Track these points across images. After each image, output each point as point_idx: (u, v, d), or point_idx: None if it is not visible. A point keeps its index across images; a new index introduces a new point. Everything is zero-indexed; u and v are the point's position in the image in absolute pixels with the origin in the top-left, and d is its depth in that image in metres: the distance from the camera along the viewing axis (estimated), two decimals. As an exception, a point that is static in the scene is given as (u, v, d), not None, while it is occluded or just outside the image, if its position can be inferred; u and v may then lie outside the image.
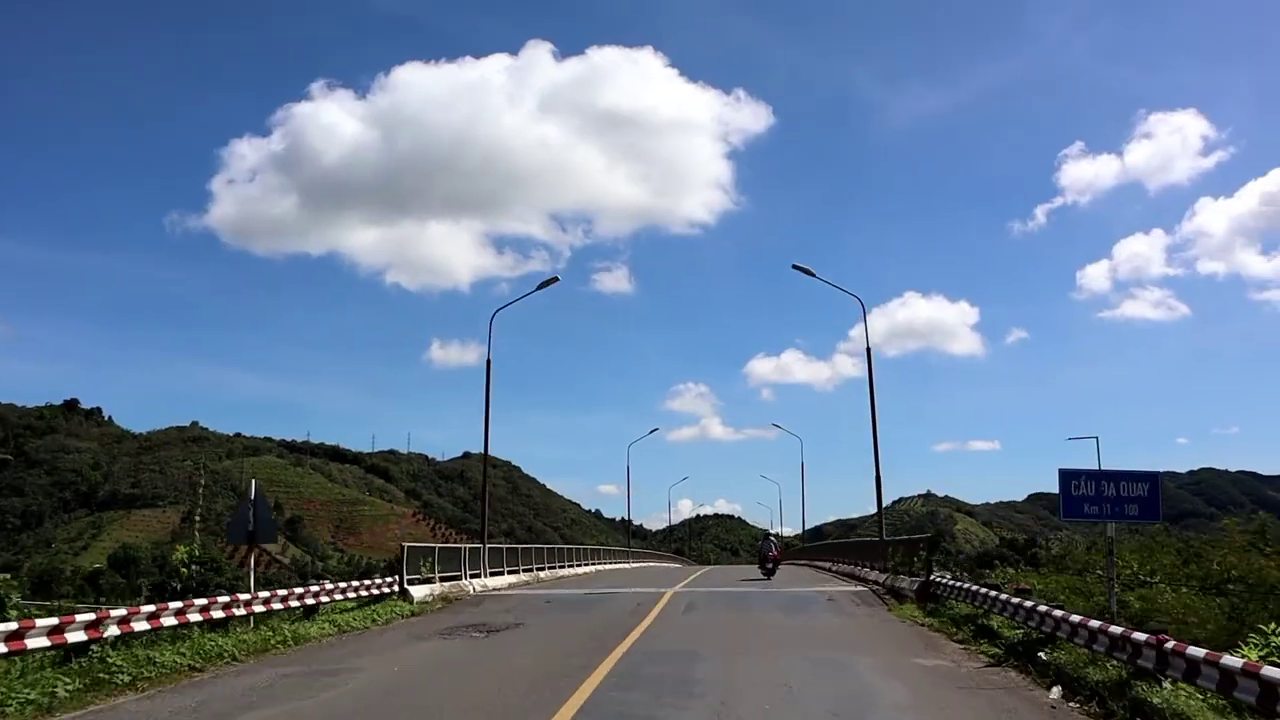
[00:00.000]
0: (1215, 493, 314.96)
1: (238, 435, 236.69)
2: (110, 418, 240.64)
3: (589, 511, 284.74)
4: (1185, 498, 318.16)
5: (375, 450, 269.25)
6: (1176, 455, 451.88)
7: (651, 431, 63.09)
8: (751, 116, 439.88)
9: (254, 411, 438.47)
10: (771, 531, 42.29)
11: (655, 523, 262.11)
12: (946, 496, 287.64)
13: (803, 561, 51.87)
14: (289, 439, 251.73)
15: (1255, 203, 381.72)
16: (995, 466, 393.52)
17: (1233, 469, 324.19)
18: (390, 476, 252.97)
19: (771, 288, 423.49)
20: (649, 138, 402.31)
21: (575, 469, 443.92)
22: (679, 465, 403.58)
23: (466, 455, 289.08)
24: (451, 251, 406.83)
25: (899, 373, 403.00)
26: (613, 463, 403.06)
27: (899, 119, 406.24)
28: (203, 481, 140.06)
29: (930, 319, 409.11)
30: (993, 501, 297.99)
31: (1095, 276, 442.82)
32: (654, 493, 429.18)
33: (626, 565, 54.32)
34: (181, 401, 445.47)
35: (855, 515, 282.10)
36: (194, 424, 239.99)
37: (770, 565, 31.36)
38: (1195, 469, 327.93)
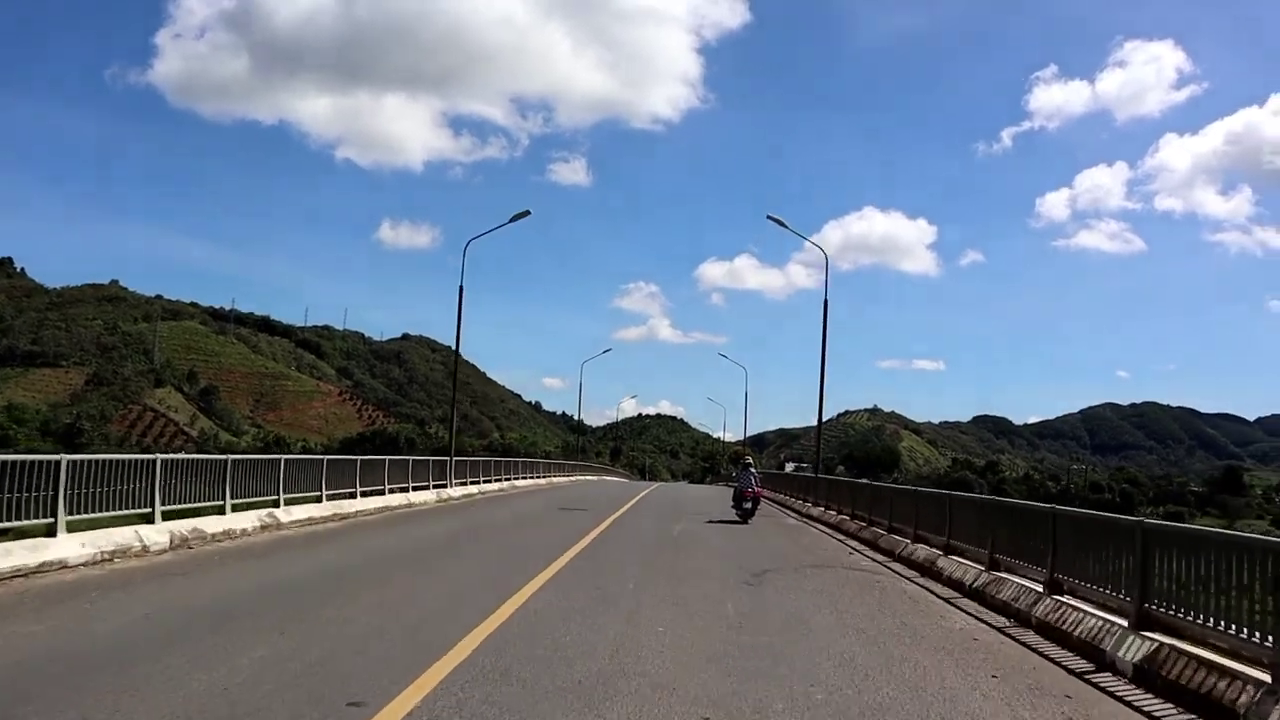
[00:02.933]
0: (1156, 426, 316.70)
1: (158, 297, 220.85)
2: (23, 269, 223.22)
3: (530, 403, 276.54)
4: (1127, 429, 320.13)
5: (308, 325, 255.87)
6: (1117, 387, 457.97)
7: (604, 351, 54.13)
8: (728, 11, 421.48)
9: (186, 278, 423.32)
10: (749, 459, 32.21)
11: (598, 419, 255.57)
12: (892, 413, 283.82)
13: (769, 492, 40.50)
14: (216, 306, 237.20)
15: (1219, 142, 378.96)
16: (939, 386, 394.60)
17: (1174, 404, 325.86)
18: (322, 353, 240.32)
19: (729, 190, 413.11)
20: (619, 23, 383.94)
21: (519, 359, 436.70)
22: (625, 364, 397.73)
23: (406, 337, 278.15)
24: (407, 129, 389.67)
25: (851, 286, 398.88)
26: (560, 355, 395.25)
27: (875, 31, 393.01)
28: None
29: (887, 234, 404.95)
30: (937, 421, 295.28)
31: (1055, 204, 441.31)
32: (599, 389, 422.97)
33: (555, 479, 46.23)
34: (109, 263, 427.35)
35: (798, 425, 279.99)
36: (113, 283, 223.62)
37: (749, 504, 23.50)
38: (1137, 402, 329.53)
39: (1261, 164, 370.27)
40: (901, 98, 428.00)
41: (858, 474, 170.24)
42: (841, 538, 20.40)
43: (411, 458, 26.09)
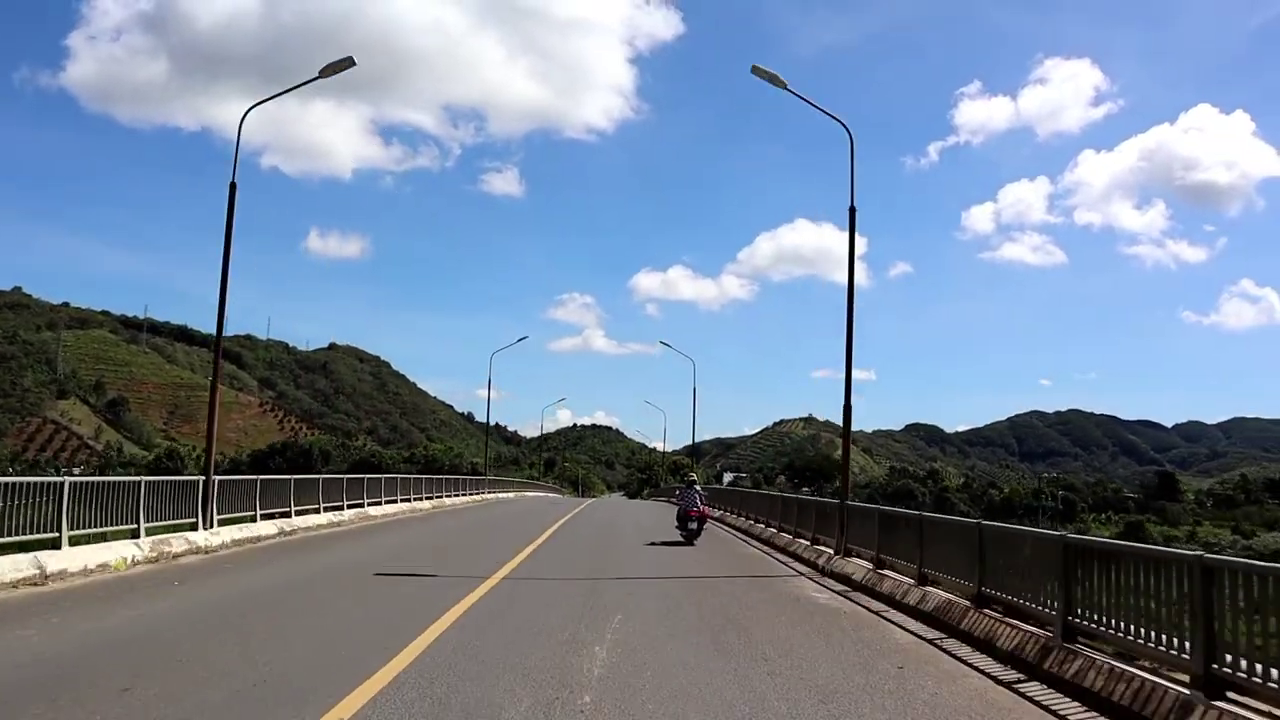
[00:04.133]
0: (1080, 434, 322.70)
1: (64, 305, 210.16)
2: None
3: (461, 414, 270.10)
4: (1053, 437, 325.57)
5: (228, 334, 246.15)
6: (1040, 395, 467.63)
7: (520, 340, 49.85)
8: (662, 22, 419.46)
9: (99, 287, 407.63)
10: (694, 475, 28.53)
11: (532, 430, 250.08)
12: (827, 421, 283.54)
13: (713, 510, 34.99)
14: (130, 315, 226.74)
15: (1134, 158, 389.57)
16: (870, 395, 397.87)
17: (1097, 411, 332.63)
18: (243, 363, 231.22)
19: (663, 202, 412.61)
20: (552, 32, 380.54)
21: (451, 370, 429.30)
22: (559, 375, 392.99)
23: (333, 346, 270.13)
24: (335, 136, 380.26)
25: (783, 297, 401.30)
26: (493, 366, 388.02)
27: (805, 45, 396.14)
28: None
29: (819, 246, 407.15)
30: (870, 430, 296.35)
31: (980, 218, 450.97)
32: (533, 400, 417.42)
33: (479, 497, 42.29)
34: (13, 270, 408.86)
35: (732, 435, 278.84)
36: (16, 289, 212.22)
37: (693, 525, 21.75)
38: (1063, 410, 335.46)
39: (1173, 180, 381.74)
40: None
41: (799, 484, 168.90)
42: (753, 542, 16.85)
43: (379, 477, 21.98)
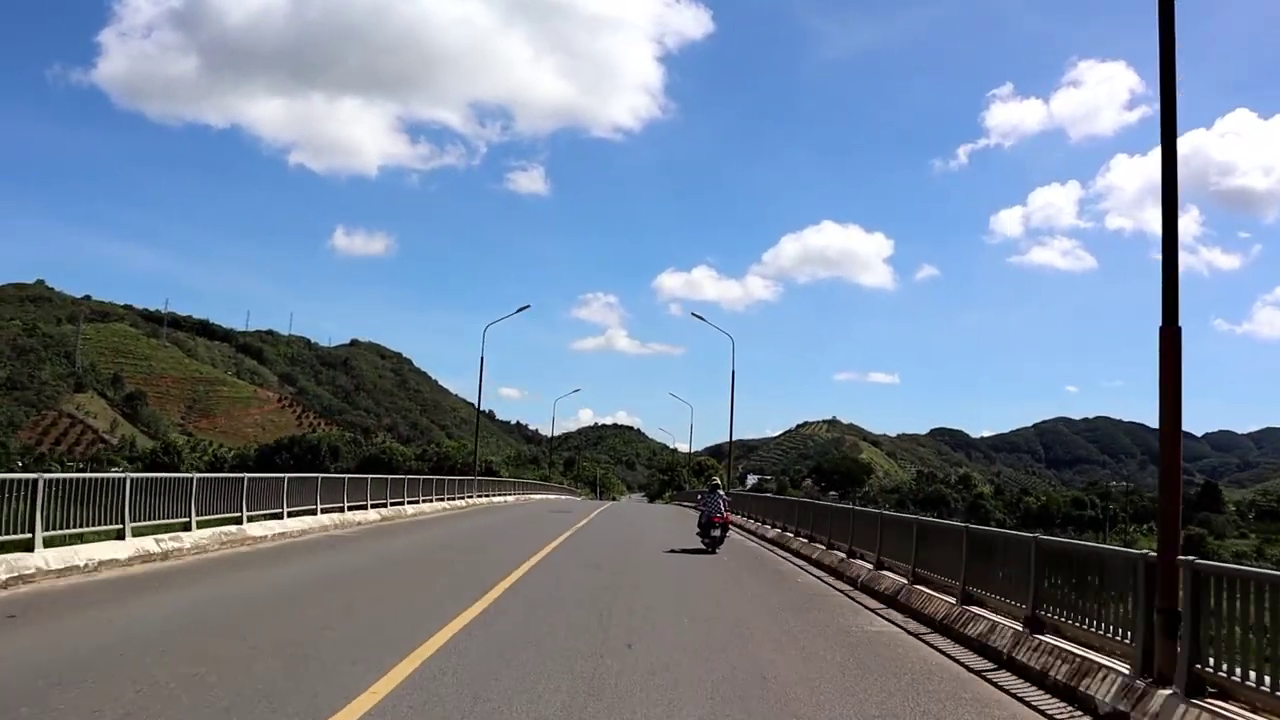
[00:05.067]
0: (1109, 441, 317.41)
1: (86, 298, 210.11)
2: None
3: (484, 412, 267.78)
4: (1081, 444, 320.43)
5: (250, 330, 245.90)
6: (1068, 401, 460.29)
7: (520, 309, 46.14)
8: (692, 21, 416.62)
9: (123, 281, 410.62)
10: (717, 480, 27.92)
11: (556, 428, 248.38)
12: (851, 424, 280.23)
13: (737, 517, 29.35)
14: (152, 309, 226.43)
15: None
16: (894, 399, 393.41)
17: (1125, 419, 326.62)
18: (264, 358, 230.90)
19: (688, 202, 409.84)
20: (580, 30, 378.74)
21: (473, 368, 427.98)
22: (582, 375, 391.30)
23: (354, 343, 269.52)
24: (362, 134, 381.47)
25: (808, 299, 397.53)
26: (516, 364, 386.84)
27: (836, 47, 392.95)
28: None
29: (845, 248, 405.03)
30: (894, 433, 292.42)
31: (1009, 221, 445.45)
32: (556, 398, 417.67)
33: (460, 503, 37.41)
34: (43, 267, 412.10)
35: (753, 436, 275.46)
36: (39, 282, 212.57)
37: (717, 533, 20.99)
38: (1090, 416, 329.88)
39: (1208, 186, 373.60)
40: (861, 112, 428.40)
41: (826, 487, 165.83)
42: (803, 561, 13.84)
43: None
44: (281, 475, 20.34)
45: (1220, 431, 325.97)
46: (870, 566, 14.58)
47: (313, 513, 20.86)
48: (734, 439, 58.89)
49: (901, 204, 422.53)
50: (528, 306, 61.28)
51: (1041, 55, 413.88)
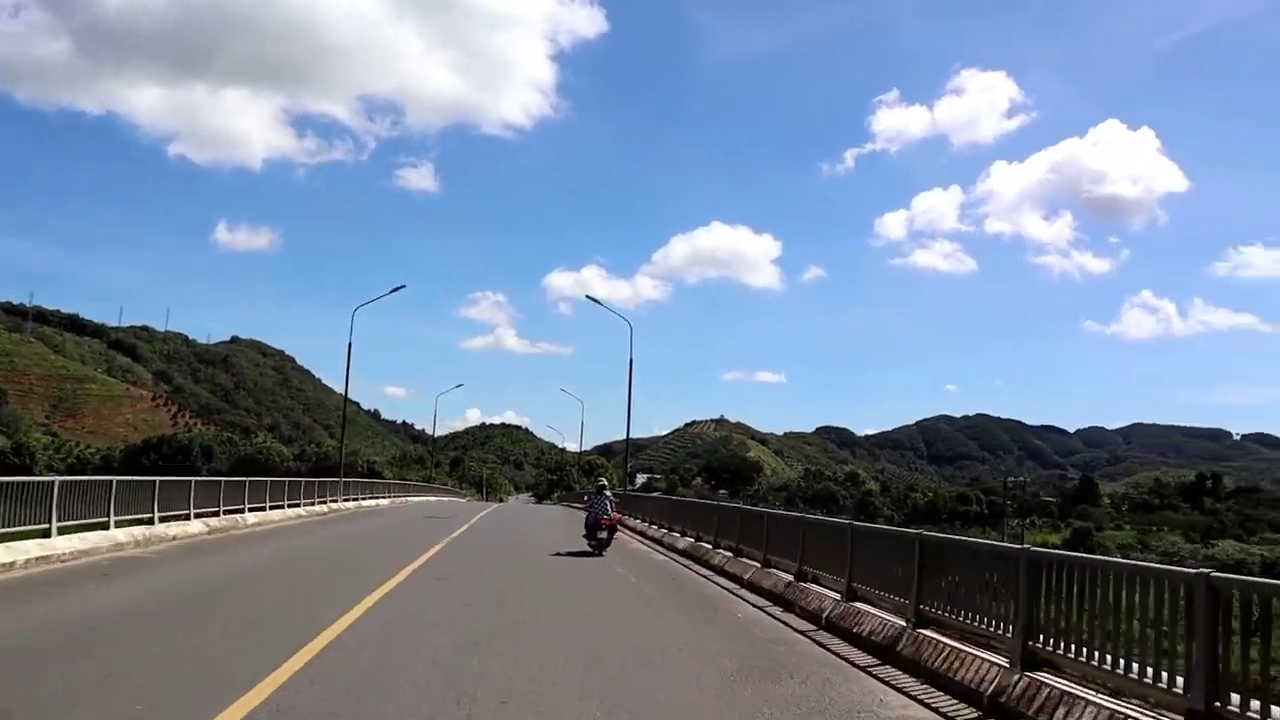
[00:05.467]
0: (988, 438, 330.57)
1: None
2: None
3: (368, 411, 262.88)
4: (961, 441, 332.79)
5: (123, 325, 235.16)
6: (948, 400, 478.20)
7: (394, 290, 45.01)
8: (586, 20, 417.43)
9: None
10: (604, 481, 27.58)
11: (442, 428, 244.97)
12: (739, 423, 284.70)
13: (628, 520, 29.91)
14: (13, 302, 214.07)
15: (1044, 170, 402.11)
16: (781, 398, 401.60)
17: (1003, 416, 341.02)
18: (138, 355, 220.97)
19: (579, 200, 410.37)
20: (473, 26, 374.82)
21: (359, 367, 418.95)
22: (470, 373, 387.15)
23: (235, 340, 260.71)
24: (247, 125, 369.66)
25: (697, 299, 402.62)
26: (401, 364, 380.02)
27: (728, 49, 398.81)
28: None
29: (734, 249, 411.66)
30: (780, 432, 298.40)
31: (893, 224, 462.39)
32: (440, 394, 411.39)
33: (322, 508, 33.72)
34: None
35: (643, 435, 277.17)
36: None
37: (603, 534, 21.11)
38: (970, 414, 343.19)
39: (1080, 192, 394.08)
40: (751, 114, 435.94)
41: (715, 486, 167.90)
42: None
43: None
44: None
45: (1091, 427, 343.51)
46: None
47: (105, 527, 16.21)
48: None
49: (789, 206, 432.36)
50: (403, 286, 60.60)
51: (926, 63, 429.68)
